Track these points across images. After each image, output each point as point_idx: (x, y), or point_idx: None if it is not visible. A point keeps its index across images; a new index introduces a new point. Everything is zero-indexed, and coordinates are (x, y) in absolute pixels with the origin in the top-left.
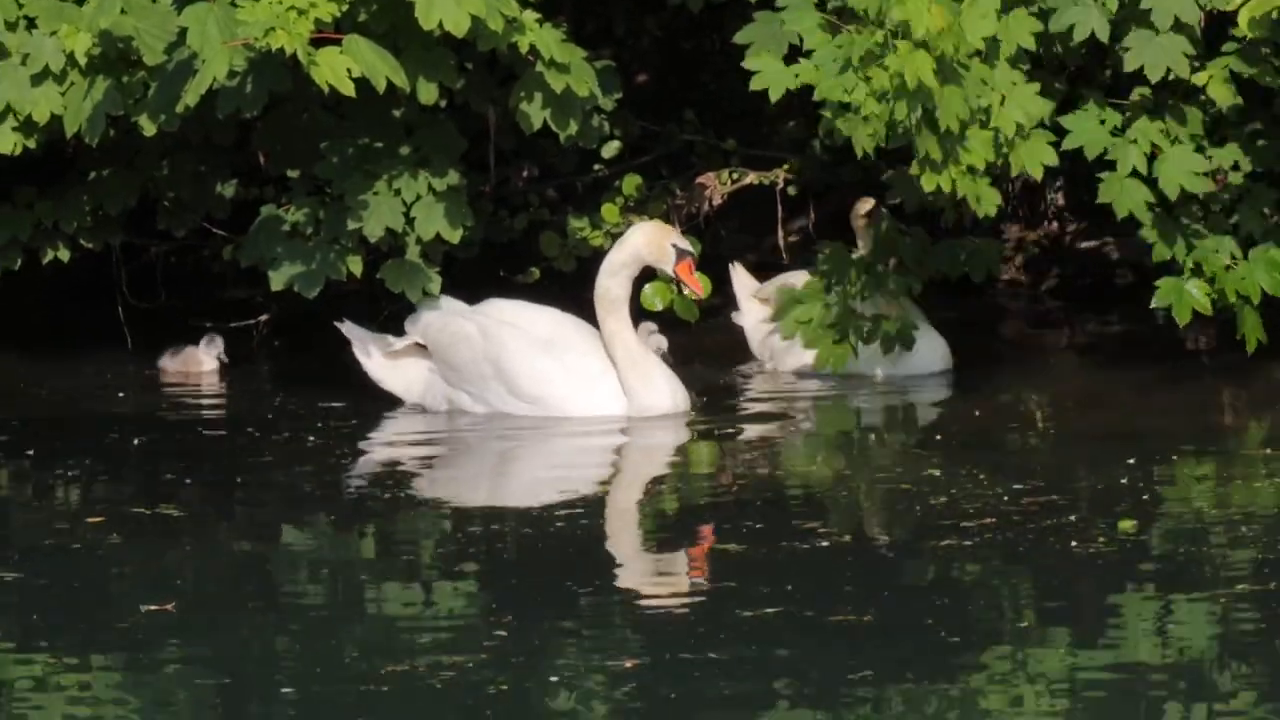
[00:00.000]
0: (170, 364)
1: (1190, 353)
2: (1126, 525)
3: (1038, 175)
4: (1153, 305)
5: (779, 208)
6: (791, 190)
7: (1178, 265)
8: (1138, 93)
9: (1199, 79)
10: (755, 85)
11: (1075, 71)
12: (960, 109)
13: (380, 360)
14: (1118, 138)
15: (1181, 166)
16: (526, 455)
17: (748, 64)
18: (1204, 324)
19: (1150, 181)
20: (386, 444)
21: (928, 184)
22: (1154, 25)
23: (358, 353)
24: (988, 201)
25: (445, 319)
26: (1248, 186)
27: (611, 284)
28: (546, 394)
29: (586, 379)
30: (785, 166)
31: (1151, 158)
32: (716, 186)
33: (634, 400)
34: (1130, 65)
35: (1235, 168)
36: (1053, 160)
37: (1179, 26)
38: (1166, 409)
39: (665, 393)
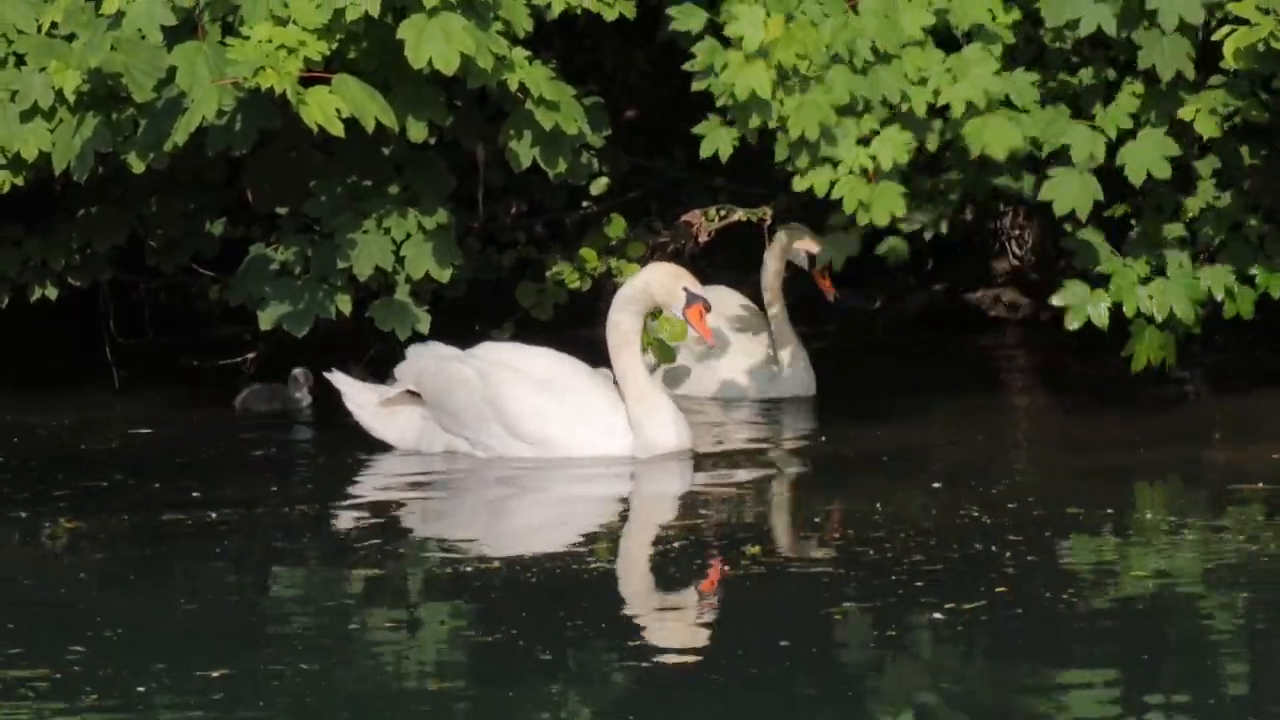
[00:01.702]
0: (256, 404)
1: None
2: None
3: (999, 155)
4: (1051, 300)
5: (766, 243)
6: (782, 231)
7: (1091, 274)
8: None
9: (1185, 114)
10: (705, 151)
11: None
12: (822, 116)
13: (372, 409)
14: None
15: (1152, 151)
16: (530, 496)
17: (699, 129)
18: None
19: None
20: (383, 487)
21: (798, 184)
22: (1160, 26)
23: (348, 403)
24: (880, 206)
25: (439, 364)
26: (1217, 197)
27: (621, 318)
28: (549, 434)
29: (589, 418)
30: (772, 203)
31: (1118, 144)
32: (702, 224)
33: (640, 437)
34: (1143, 64)
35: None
36: (1016, 142)
37: (1183, 28)
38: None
39: (672, 430)
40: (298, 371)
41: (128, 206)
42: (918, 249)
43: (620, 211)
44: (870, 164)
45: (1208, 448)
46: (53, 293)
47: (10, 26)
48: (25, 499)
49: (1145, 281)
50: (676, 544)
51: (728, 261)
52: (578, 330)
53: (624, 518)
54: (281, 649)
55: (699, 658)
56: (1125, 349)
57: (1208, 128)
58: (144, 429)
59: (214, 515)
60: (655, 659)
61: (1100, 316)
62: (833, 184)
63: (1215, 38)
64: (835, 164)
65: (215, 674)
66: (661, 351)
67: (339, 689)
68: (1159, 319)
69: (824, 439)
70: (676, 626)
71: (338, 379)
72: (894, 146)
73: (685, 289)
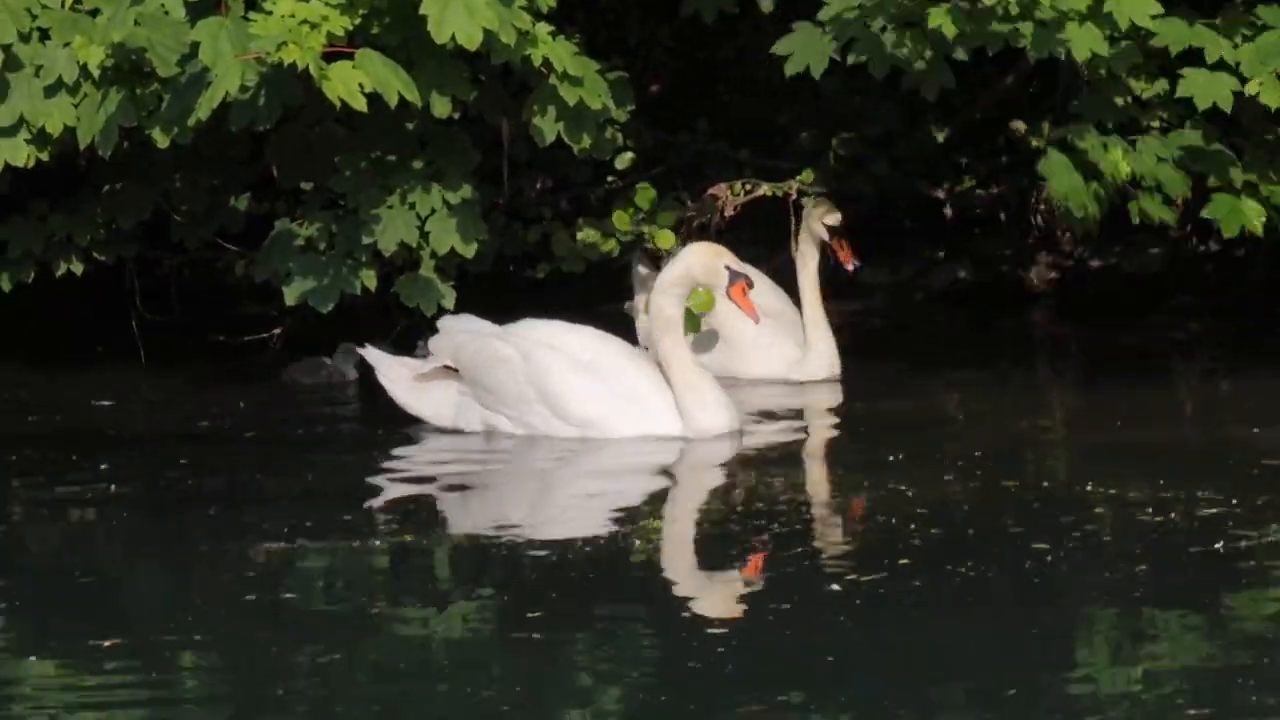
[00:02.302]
0: (308, 377)
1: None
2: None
3: (1147, 24)
4: (1204, 214)
5: (792, 219)
6: (805, 201)
7: (1233, 187)
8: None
9: (1250, 87)
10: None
11: None
12: None
13: (407, 384)
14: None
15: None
16: (574, 476)
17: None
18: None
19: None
20: (423, 463)
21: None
22: None
23: (382, 378)
24: (1083, 43)
25: (479, 341)
26: None
27: (665, 302)
28: (595, 416)
29: (636, 399)
30: (799, 177)
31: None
32: (729, 198)
33: (689, 421)
34: None
35: None
36: (1157, 8)
37: None
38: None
39: (721, 413)
40: (346, 345)
41: (152, 182)
42: (947, 221)
43: (645, 185)
44: None
45: (1242, 423)
46: (78, 268)
47: (35, 1)
48: (52, 475)
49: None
50: (721, 524)
51: (754, 237)
52: (602, 305)
53: (670, 498)
54: (310, 627)
55: (742, 636)
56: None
57: (1273, 98)
58: (170, 404)
59: (247, 492)
60: (699, 638)
61: (1254, 224)
62: None
63: None
64: None
65: (239, 652)
66: (688, 321)
67: (370, 667)
68: None
69: (858, 419)
70: (721, 605)
71: (371, 353)
72: None
73: (727, 267)
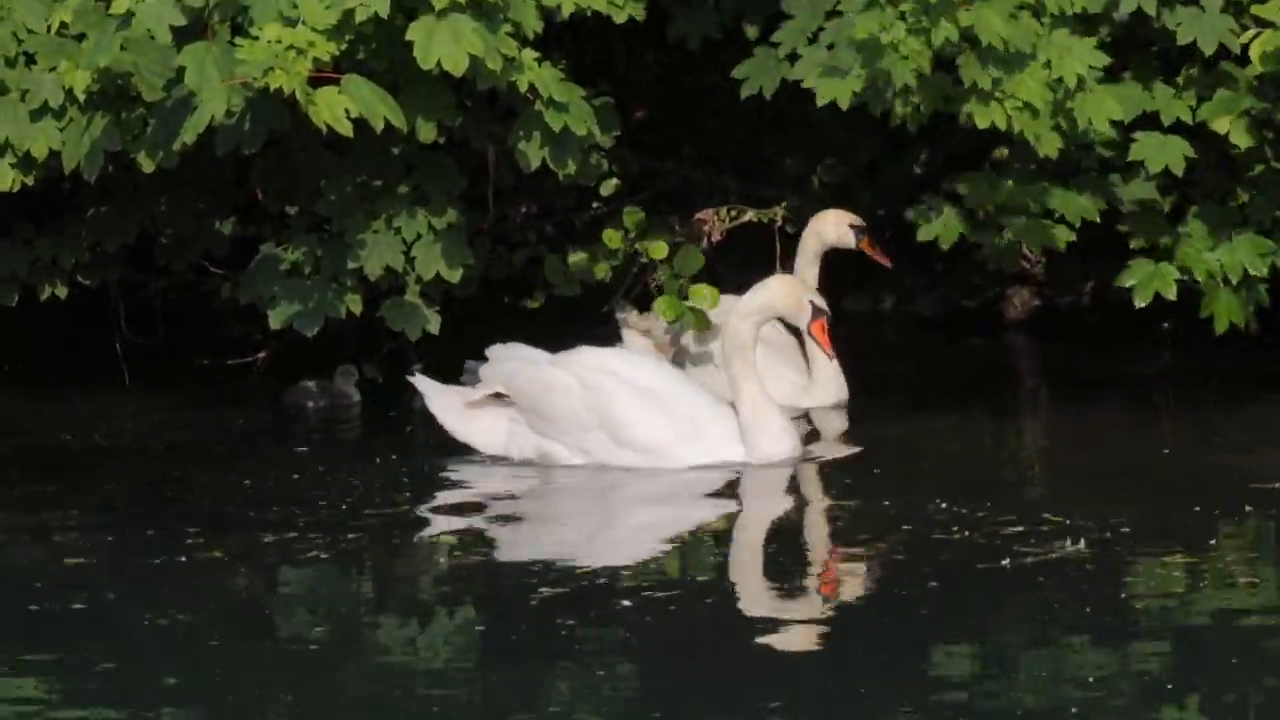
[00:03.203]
0: (309, 400)
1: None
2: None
3: (1104, 128)
4: (1118, 282)
5: (777, 245)
6: (790, 228)
7: (1158, 250)
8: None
9: (1218, 126)
10: (823, 99)
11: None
12: (1002, 29)
13: (457, 411)
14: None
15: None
16: (634, 501)
17: (808, 83)
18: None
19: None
20: (475, 491)
21: (981, 119)
22: (1200, 4)
23: (431, 405)
24: (1048, 142)
25: (534, 368)
26: (1270, 177)
27: (742, 328)
28: (659, 442)
29: (699, 425)
30: (784, 204)
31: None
32: (715, 223)
33: (754, 447)
34: (1183, 38)
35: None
36: (1118, 115)
37: (1226, 5)
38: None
39: (784, 440)
40: (345, 367)
41: (138, 205)
42: (931, 251)
43: (632, 209)
44: None
45: (1229, 450)
46: (63, 291)
47: (20, 26)
48: (36, 498)
49: (1210, 250)
50: (786, 550)
51: (741, 261)
52: (590, 329)
53: (735, 524)
54: (366, 657)
55: (813, 662)
56: (1203, 310)
57: (1242, 139)
58: (156, 427)
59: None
60: (767, 663)
61: (1168, 289)
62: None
63: (1242, 40)
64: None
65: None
66: (697, 320)
67: (437, 698)
68: (1233, 280)
69: (888, 443)
70: (791, 632)
71: (420, 381)
72: (1087, 55)
73: (810, 302)
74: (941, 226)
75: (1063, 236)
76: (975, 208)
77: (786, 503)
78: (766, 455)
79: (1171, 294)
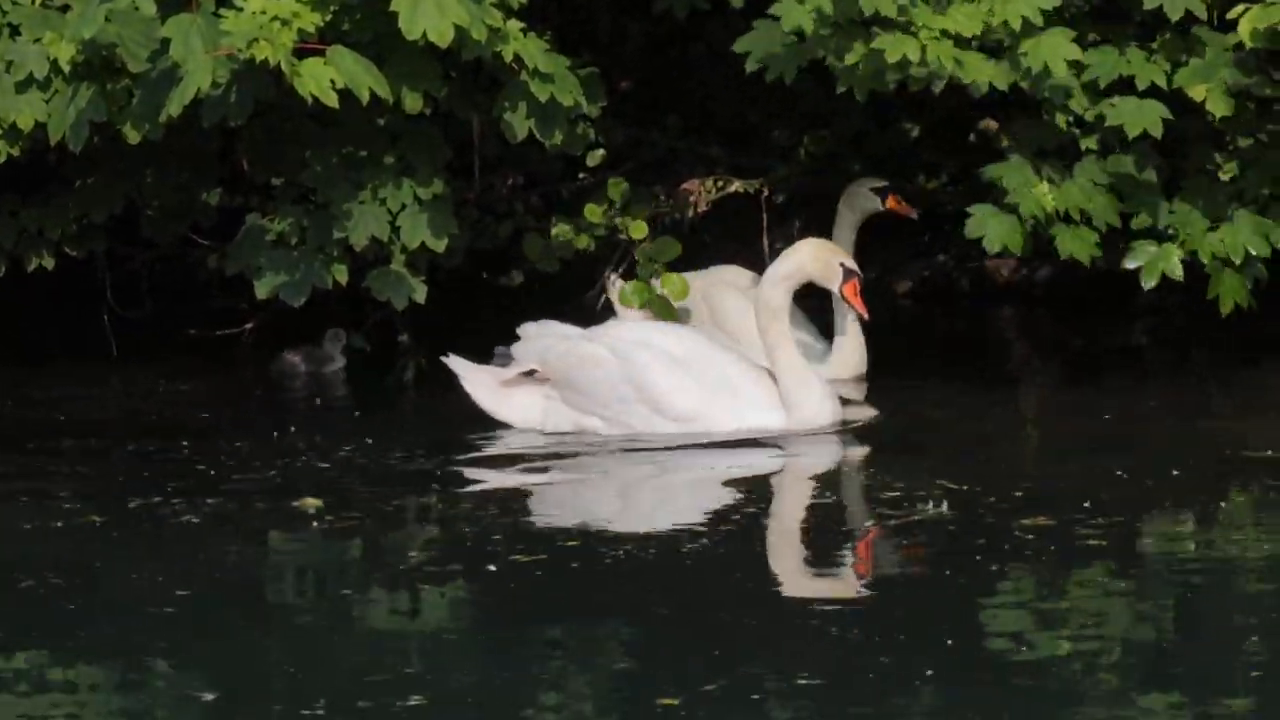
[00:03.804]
0: (300, 362)
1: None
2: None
3: (1060, 72)
4: (1125, 265)
5: (763, 215)
6: (776, 198)
7: (1157, 230)
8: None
9: (1195, 94)
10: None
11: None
12: None
13: (491, 390)
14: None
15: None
16: (675, 472)
17: (738, 46)
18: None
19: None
20: (513, 462)
21: (891, 51)
22: None
23: (466, 384)
24: (975, 70)
25: (569, 344)
26: (1259, 151)
27: (774, 294)
28: (699, 411)
29: (737, 393)
30: (770, 174)
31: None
32: (701, 193)
33: (794, 413)
34: (1149, 3)
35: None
36: (1076, 54)
37: None
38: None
39: (826, 404)
40: (333, 331)
41: (124, 177)
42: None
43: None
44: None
45: (1218, 417)
46: (50, 263)
47: None
48: (25, 471)
49: (1211, 230)
50: (829, 517)
51: (726, 232)
52: (571, 300)
53: (773, 490)
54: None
55: (846, 631)
56: (1210, 292)
57: (1219, 106)
58: (144, 398)
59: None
60: (798, 632)
61: (1174, 269)
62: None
63: (1230, 15)
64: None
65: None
66: (664, 309)
67: (489, 667)
68: (1236, 261)
69: (917, 411)
70: (826, 601)
71: (454, 362)
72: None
73: (842, 264)
74: (1006, 236)
75: (1093, 242)
76: (1027, 215)
77: (827, 468)
78: (807, 421)
79: (1179, 274)
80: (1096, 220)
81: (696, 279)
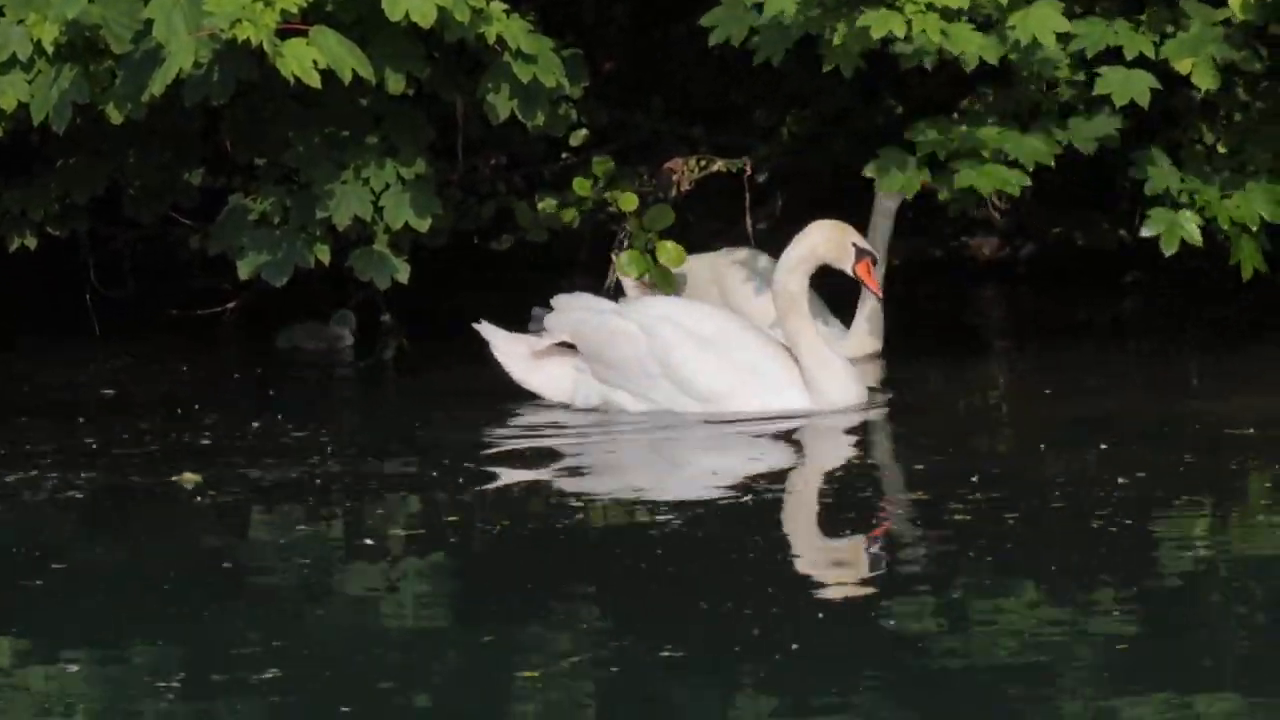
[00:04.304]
0: (301, 340)
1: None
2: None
3: (1049, 44)
4: (1143, 233)
5: (747, 195)
6: (759, 177)
7: (1171, 196)
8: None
9: (1182, 67)
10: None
11: None
12: None
13: (522, 360)
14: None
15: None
16: (697, 449)
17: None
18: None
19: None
20: (532, 437)
21: (877, 27)
22: None
23: (497, 353)
24: (963, 41)
25: (599, 317)
26: (1254, 125)
27: (789, 280)
28: (722, 390)
29: (762, 374)
30: (753, 154)
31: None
32: (684, 173)
33: (818, 393)
34: None
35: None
36: (1063, 27)
37: None
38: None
39: (850, 385)
40: (341, 313)
41: (106, 157)
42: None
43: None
44: None
45: (1201, 395)
46: (32, 243)
47: None
48: (6, 449)
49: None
50: (848, 496)
51: (709, 212)
52: (557, 281)
53: (798, 470)
54: (451, 604)
55: (864, 610)
56: (1232, 258)
57: (1205, 80)
58: (128, 378)
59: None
60: (823, 608)
61: (1193, 235)
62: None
63: None
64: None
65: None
66: (663, 279)
67: (516, 642)
68: (1254, 228)
69: (945, 389)
70: (846, 577)
71: (486, 329)
72: None
73: (854, 244)
74: (905, 178)
75: (1018, 182)
76: (930, 153)
77: (848, 449)
78: (831, 402)
79: (1198, 239)
80: (1025, 160)
81: (708, 261)
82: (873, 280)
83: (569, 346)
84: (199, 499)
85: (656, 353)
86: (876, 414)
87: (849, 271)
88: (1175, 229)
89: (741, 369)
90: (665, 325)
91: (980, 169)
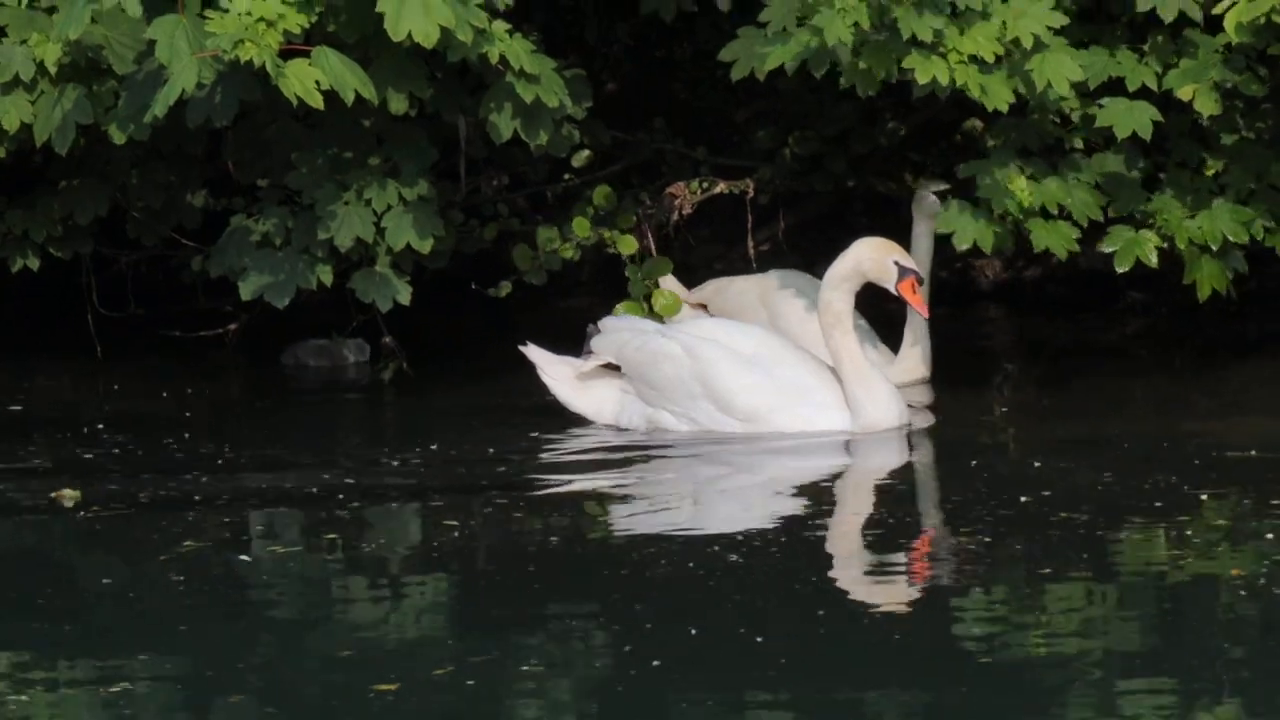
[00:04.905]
0: (306, 358)
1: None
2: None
3: (1063, 90)
4: (1100, 248)
5: (749, 216)
6: (761, 199)
7: (1134, 218)
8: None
9: (1184, 94)
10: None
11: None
12: None
13: (569, 382)
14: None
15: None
16: (743, 470)
17: (724, 55)
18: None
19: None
20: (576, 459)
21: (922, 74)
22: None
23: (543, 375)
24: (996, 95)
25: (642, 338)
26: (1243, 148)
27: (834, 298)
28: (763, 411)
29: (803, 394)
30: (755, 175)
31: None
32: (686, 196)
33: (859, 415)
34: (1143, 5)
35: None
36: (1077, 75)
37: None
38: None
39: (892, 407)
40: (356, 342)
41: (109, 179)
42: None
43: (602, 184)
44: None
45: (1201, 417)
46: (34, 264)
47: None
48: (8, 469)
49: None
50: (889, 518)
51: (711, 235)
52: (558, 302)
53: (839, 492)
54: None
55: (906, 631)
56: (1186, 278)
57: (1207, 105)
58: (130, 399)
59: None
60: (862, 632)
61: (1149, 256)
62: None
63: (1216, 11)
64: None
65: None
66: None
67: (557, 666)
68: (1214, 248)
69: (995, 413)
70: (885, 598)
71: (532, 352)
72: (1043, 16)
73: (896, 263)
74: (978, 232)
75: (1072, 236)
76: (997, 212)
77: (888, 471)
78: (872, 423)
79: (1153, 260)
80: (1076, 215)
81: (755, 283)
82: (917, 299)
83: (615, 368)
84: (200, 517)
85: (698, 373)
86: (922, 436)
87: (892, 289)
88: (1131, 247)
89: (784, 388)
90: (707, 345)
91: (1050, 226)
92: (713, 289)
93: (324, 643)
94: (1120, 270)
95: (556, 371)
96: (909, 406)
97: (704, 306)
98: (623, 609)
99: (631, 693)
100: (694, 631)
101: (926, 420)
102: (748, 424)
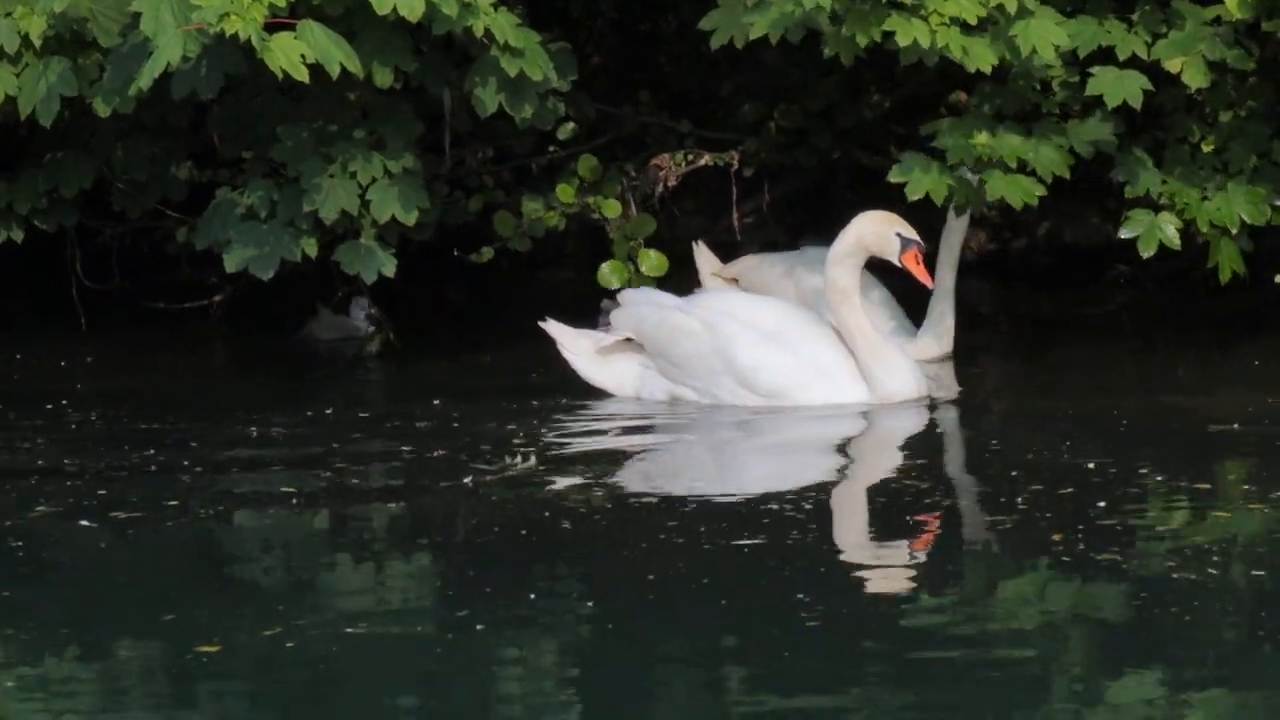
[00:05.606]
0: (321, 332)
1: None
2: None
3: (1049, 57)
4: (1121, 234)
5: (734, 189)
6: (746, 171)
7: (1152, 198)
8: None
9: (1172, 66)
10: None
11: None
12: None
13: (589, 356)
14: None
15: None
16: (762, 443)
17: (704, 24)
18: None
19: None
20: (601, 432)
21: (903, 35)
22: None
23: (563, 350)
24: (978, 56)
25: (662, 314)
26: (1240, 124)
27: (839, 274)
28: (783, 385)
29: (822, 367)
30: (740, 148)
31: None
32: (671, 168)
33: (876, 387)
34: None
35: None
36: (1063, 41)
37: None
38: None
39: (909, 378)
40: (358, 300)
41: (94, 151)
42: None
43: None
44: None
45: (1188, 390)
46: (19, 236)
47: None
48: None
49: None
50: (904, 491)
51: (696, 207)
52: (543, 274)
53: (858, 464)
54: (489, 596)
55: (914, 603)
56: (1210, 261)
57: (1196, 78)
58: (116, 371)
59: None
60: (871, 604)
61: (1171, 238)
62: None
63: None
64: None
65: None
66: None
67: (564, 639)
68: (1233, 230)
69: (1009, 389)
70: (892, 576)
71: (552, 327)
72: None
73: (898, 234)
74: (930, 183)
75: (1035, 191)
76: (956, 162)
77: (904, 442)
78: (890, 394)
79: (1176, 243)
80: (1041, 171)
81: (782, 260)
82: (921, 269)
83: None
84: (187, 489)
85: (719, 347)
86: (940, 407)
87: (895, 261)
88: (1154, 231)
89: (804, 362)
90: (727, 320)
91: (1009, 179)
92: (746, 264)
93: (311, 613)
94: (1145, 255)
95: (577, 345)
96: (928, 379)
97: (735, 281)
98: (627, 576)
99: (623, 664)
100: (724, 602)
101: (949, 392)
102: (770, 399)
